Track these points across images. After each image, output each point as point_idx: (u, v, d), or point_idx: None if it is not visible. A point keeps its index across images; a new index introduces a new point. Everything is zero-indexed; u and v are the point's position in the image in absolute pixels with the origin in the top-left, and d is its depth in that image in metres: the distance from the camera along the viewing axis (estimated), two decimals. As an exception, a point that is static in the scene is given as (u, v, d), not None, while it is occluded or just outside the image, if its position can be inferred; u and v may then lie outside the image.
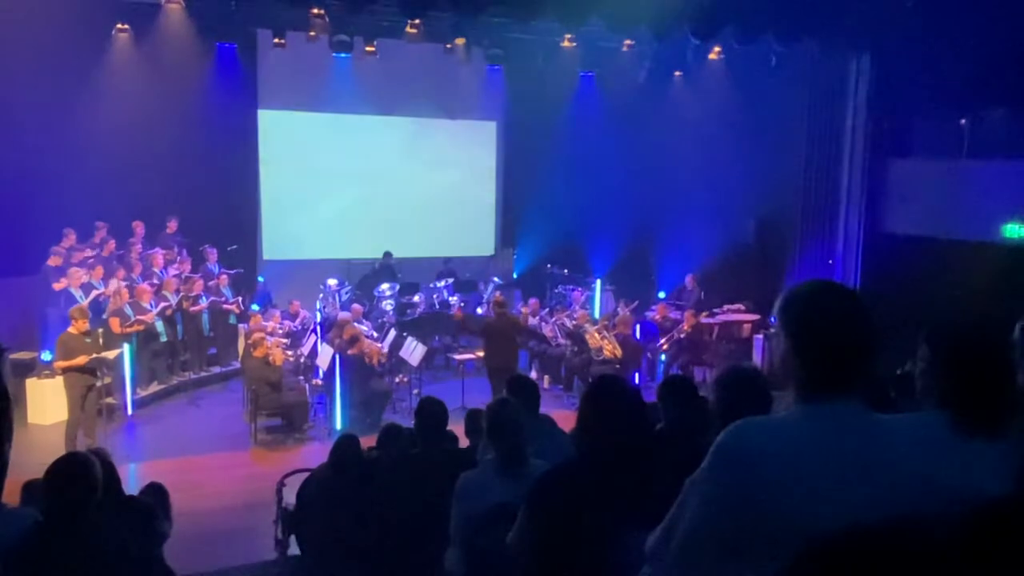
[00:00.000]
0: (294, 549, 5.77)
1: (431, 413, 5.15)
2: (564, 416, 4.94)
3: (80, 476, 3.30)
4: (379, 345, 11.05)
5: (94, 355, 8.83)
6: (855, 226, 13.38)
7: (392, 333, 11.63)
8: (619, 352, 11.26)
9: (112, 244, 12.17)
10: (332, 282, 13.87)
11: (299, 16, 11.92)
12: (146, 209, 12.61)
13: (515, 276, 16.30)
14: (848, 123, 13.29)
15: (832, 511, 1.69)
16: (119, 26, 12.08)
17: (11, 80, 10.56)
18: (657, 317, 12.89)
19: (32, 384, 10.18)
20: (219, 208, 13.40)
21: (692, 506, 1.84)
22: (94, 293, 10.78)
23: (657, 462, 2.70)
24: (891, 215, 12.97)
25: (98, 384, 9.00)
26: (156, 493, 4.95)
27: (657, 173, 14.73)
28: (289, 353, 10.95)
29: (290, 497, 5.84)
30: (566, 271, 15.56)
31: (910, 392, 2.26)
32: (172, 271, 12.11)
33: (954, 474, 1.85)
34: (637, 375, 11.56)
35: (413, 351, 10.91)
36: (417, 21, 12.11)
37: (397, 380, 11.29)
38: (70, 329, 8.80)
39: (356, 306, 12.36)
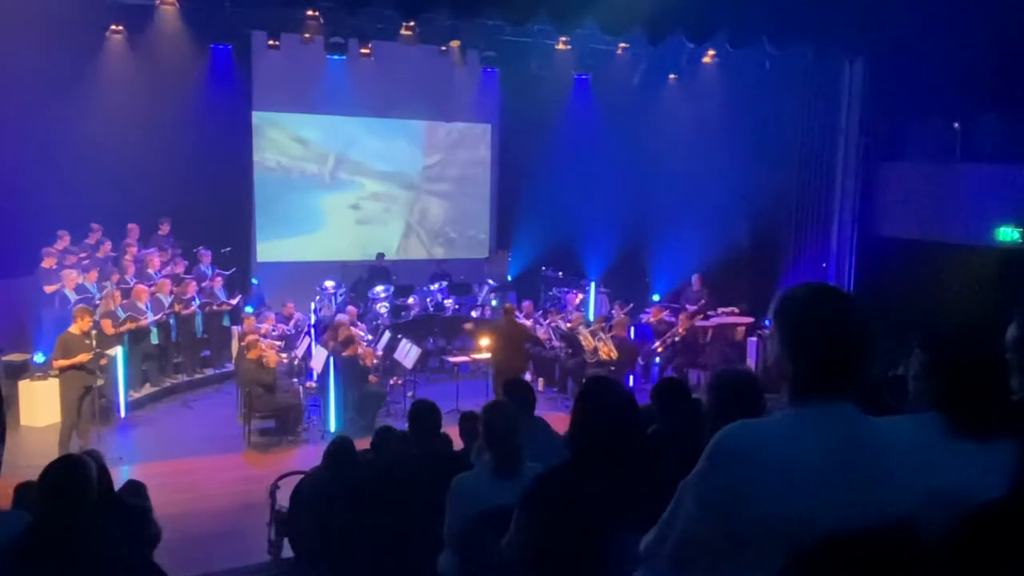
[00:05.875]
0: (287, 552, 5.76)
1: (425, 415, 5.16)
2: (559, 418, 4.95)
3: (76, 479, 3.29)
4: (374, 350, 11.03)
5: (94, 352, 8.84)
6: (849, 229, 13.43)
7: (386, 335, 11.62)
8: (615, 354, 11.26)
9: (108, 246, 12.14)
10: (329, 284, 13.87)
11: (294, 18, 11.90)
12: (140, 211, 12.57)
13: (510, 278, 16.29)
14: (842, 126, 13.35)
15: (826, 513, 1.69)
16: (113, 27, 12.03)
17: (4, 81, 10.52)
18: (652, 320, 12.91)
19: (25, 386, 10.14)
20: (213, 210, 13.36)
21: (686, 508, 1.85)
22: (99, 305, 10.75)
23: (651, 464, 2.70)
24: (885, 218, 13.02)
25: (95, 385, 8.98)
26: (137, 492, 4.90)
27: (652, 176, 14.74)
28: (283, 355, 10.93)
29: (284, 499, 5.84)
30: (560, 273, 15.56)
31: (903, 394, 2.27)
32: (165, 272, 12.07)
33: (947, 476, 1.86)
34: (632, 377, 11.56)
35: (407, 353, 10.90)
36: (412, 23, 12.09)
37: (391, 382, 11.28)
38: (71, 329, 8.81)
39: (351, 308, 12.35)
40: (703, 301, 13.16)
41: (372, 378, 10.60)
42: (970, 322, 2.23)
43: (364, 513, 4.74)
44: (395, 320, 13.09)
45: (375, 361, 10.84)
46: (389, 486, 4.81)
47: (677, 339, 12.27)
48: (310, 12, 11.67)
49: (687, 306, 13.17)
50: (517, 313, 12.43)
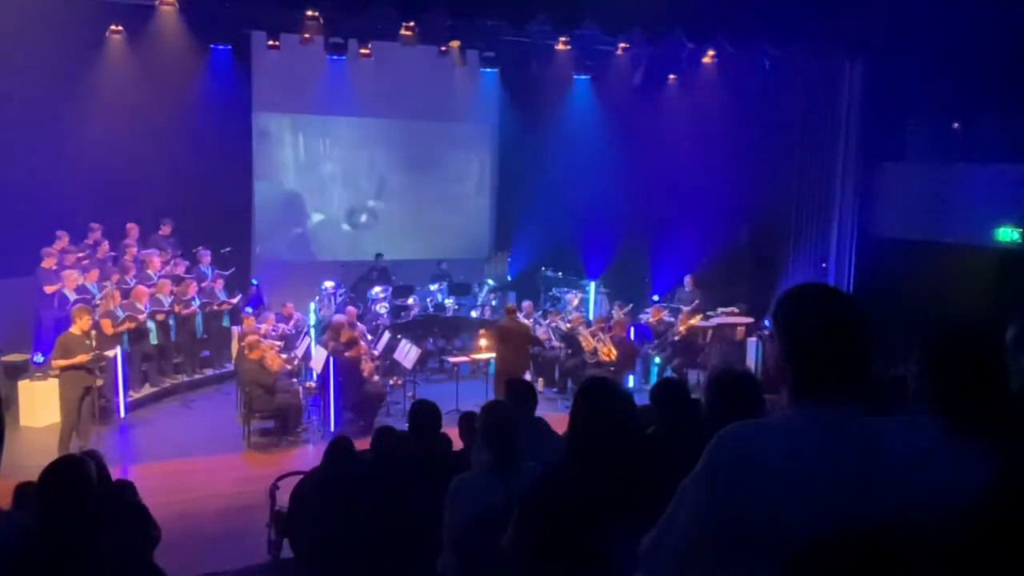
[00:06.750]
0: (287, 552, 5.76)
1: (424, 415, 5.16)
2: (559, 418, 4.94)
3: (76, 479, 3.28)
4: (372, 358, 10.99)
5: (95, 352, 8.84)
6: (848, 229, 13.44)
7: (386, 336, 11.62)
8: (614, 354, 11.26)
9: (106, 246, 12.14)
10: (328, 284, 13.86)
11: (293, 18, 11.90)
12: (140, 211, 12.57)
13: (509, 279, 16.30)
14: (841, 126, 13.36)
15: (825, 513, 1.69)
16: (112, 28, 12.04)
17: (4, 81, 10.53)
18: (651, 320, 12.90)
19: (24, 386, 10.13)
20: (213, 210, 13.36)
21: (686, 508, 1.85)
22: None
23: (650, 465, 2.70)
24: (884, 218, 13.03)
25: (94, 386, 8.98)
26: (126, 490, 4.89)
27: (651, 176, 14.75)
28: (283, 357, 10.92)
29: (284, 499, 5.83)
30: (560, 274, 15.57)
31: (903, 394, 2.27)
32: (164, 273, 12.06)
33: (946, 477, 1.85)
34: (631, 378, 11.56)
35: (407, 354, 10.90)
36: (412, 23, 12.09)
37: (391, 382, 11.27)
38: (72, 329, 8.82)
39: (351, 308, 12.33)
40: (696, 302, 13.16)
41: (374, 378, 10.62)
42: (969, 322, 2.23)
43: (364, 513, 4.74)
44: (395, 320, 13.09)
45: (375, 376, 10.75)
46: (388, 486, 4.81)
47: (676, 339, 12.27)
48: (310, 12, 11.67)
49: (681, 307, 13.16)
50: (518, 313, 12.45)
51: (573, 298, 13.95)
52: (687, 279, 13.71)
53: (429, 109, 15.73)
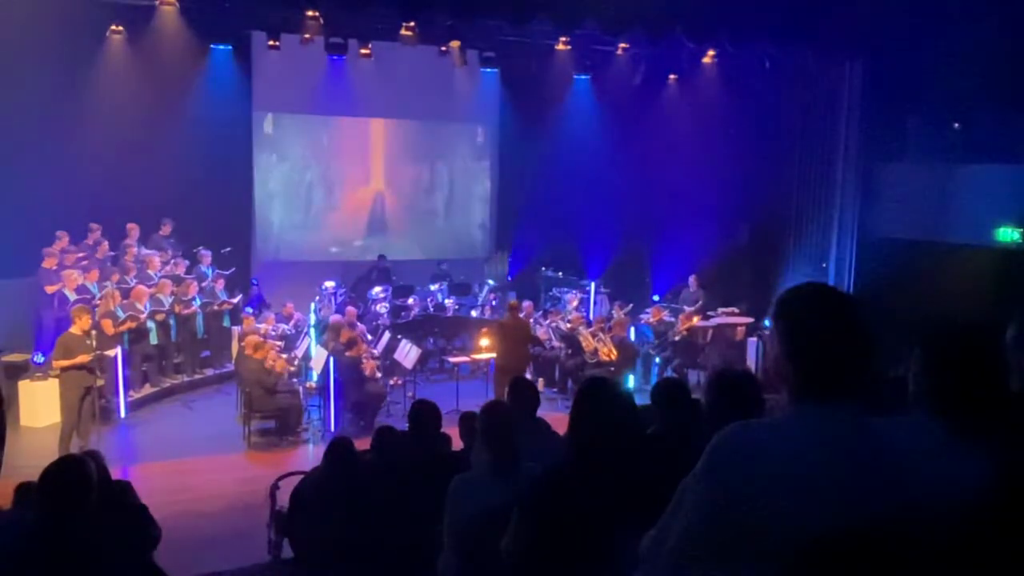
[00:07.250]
0: (287, 552, 5.77)
1: (425, 416, 5.17)
2: (559, 418, 4.95)
3: (76, 479, 3.29)
4: (372, 358, 10.99)
5: (95, 352, 8.85)
6: (848, 229, 13.44)
7: (386, 336, 11.62)
8: (614, 355, 11.26)
9: (105, 246, 12.14)
10: (329, 284, 13.86)
11: (294, 18, 11.90)
12: (140, 211, 12.56)
13: (509, 279, 16.30)
14: (841, 126, 13.36)
15: (825, 513, 1.69)
16: (113, 27, 12.04)
17: (4, 81, 10.53)
18: (652, 320, 12.90)
19: (25, 386, 10.13)
20: (213, 210, 13.36)
21: (686, 508, 1.85)
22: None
23: (650, 464, 2.70)
24: (884, 218, 13.02)
25: (95, 386, 8.98)
26: (123, 492, 4.89)
27: (652, 176, 14.75)
28: (284, 357, 10.91)
29: (284, 499, 5.84)
30: (560, 274, 15.57)
31: (903, 395, 2.27)
32: (165, 273, 12.06)
33: (946, 477, 1.86)
34: (631, 378, 11.56)
35: (407, 354, 10.90)
36: (412, 23, 12.09)
37: (391, 383, 11.27)
38: (72, 329, 8.82)
39: (351, 308, 12.33)
40: (700, 302, 13.16)
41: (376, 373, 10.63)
42: (969, 322, 2.23)
43: (364, 513, 4.75)
44: (395, 320, 13.08)
45: (377, 372, 10.75)
46: (389, 486, 4.82)
47: (677, 339, 12.27)
48: (310, 12, 11.67)
49: (684, 307, 13.16)
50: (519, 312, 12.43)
51: (573, 298, 13.94)
52: (691, 279, 13.69)
53: (429, 109, 15.73)
